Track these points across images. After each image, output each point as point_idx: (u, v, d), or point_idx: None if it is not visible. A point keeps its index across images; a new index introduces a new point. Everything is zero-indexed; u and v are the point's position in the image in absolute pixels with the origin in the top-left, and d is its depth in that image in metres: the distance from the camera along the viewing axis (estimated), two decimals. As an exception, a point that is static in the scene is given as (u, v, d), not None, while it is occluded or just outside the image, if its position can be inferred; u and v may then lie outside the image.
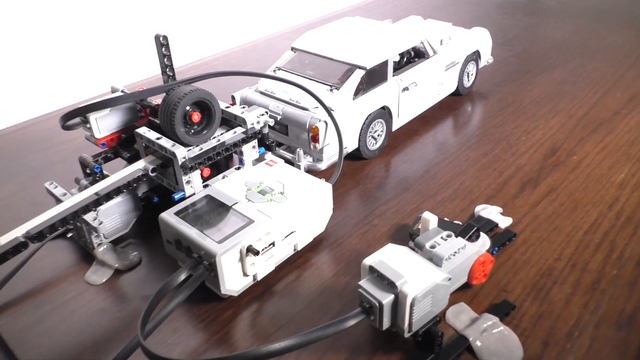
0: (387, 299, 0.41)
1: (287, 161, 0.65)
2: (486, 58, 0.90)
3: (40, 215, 0.50)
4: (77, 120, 0.58)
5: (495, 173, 0.69)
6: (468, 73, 0.87)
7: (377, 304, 0.41)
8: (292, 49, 0.75)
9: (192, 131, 0.56)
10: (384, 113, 0.72)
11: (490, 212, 0.61)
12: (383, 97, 0.70)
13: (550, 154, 0.72)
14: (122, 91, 0.63)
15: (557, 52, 1.04)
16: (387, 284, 0.42)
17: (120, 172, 0.55)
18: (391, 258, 0.44)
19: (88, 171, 0.60)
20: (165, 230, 0.52)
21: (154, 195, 0.61)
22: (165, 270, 0.56)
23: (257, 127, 0.60)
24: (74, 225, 0.57)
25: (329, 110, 0.62)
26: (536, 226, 0.60)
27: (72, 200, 0.52)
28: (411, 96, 0.75)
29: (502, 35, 1.12)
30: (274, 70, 0.73)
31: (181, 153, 0.53)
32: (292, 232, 0.54)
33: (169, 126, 0.54)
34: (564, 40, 1.10)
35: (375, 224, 0.62)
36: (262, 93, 0.70)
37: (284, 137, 0.68)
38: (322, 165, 0.66)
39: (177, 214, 0.52)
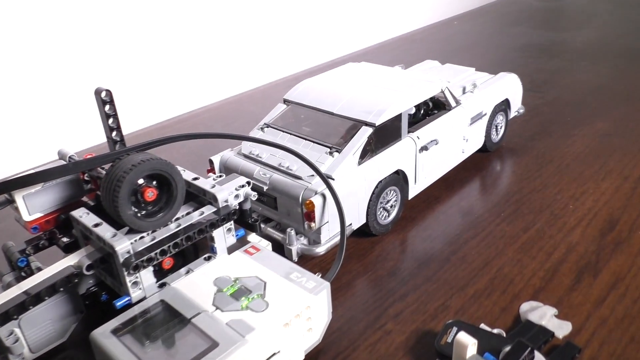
0: None
1: (276, 243, 0.52)
2: (516, 108, 0.77)
3: None
4: (-2, 199, 0.45)
5: (542, 255, 0.54)
6: (497, 126, 0.73)
7: None
8: (285, 101, 0.62)
9: (145, 212, 0.42)
10: (398, 179, 0.58)
11: (543, 314, 0.46)
12: (396, 159, 0.57)
13: (608, 228, 0.58)
14: (70, 158, 0.50)
15: (595, 99, 0.90)
16: None
17: (48, 270, 0.42)
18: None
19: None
20: (98, 354, 0.38)
21: (102, 291, 0.47)
22: (105, 402, 0.41)
23: (234, 203, 0.46)
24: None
25: (326, 180, 0.48)
26: (605, 335, 0.44)
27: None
28: (431, 157, 0.61)
29: (528, 81, 0.98)
30: (262, 128, 0.60)
31: (123, 247, 0.39)
32: (275, 354, 0.39)
33: (111, 208, 0.41)
34: (601, 85, 0.97)
35: (388, 329, 0.47)
36: (245, 157, 0.57)
37: (272, 212, 0.55)
38: (321, 249, 0.52)
39: (115, 332, 0.38)
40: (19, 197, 0.44)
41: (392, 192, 0.58)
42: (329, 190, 0.49)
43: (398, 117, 0.57)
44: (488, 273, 0.52)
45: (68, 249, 0.46)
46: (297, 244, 0.51)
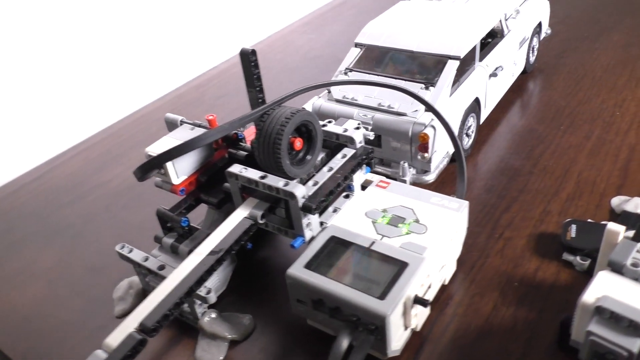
0: (636, 345, 0.33)
1: (387, 177, 0.56)
2: (545, 29, 0.83)
3: (147, 299, 0.39)
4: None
5: (610, 157, 0.62)
6: (532, 47, 0.79)
7: (626, 354, 0.33)
8: (357, 45, 0.65)
9: (295, 160, 0.46)
10: (475, 106, 0.63)
11: (636, 204, 0.53)
12: (475, 87, 0.62)
13: (658, 127, 0.66)
14: (181, 122, 0.52)
15: (604, 14, 0.97)
16: (629, 327, 0.34)
17: (224, 226, 0.45)
18: (614, 291, 0.36)
19: (169, 225, 0.49)
20: (297, 289, 0.42)
21: (247, 241, 0.51)
22: (288, 332, 0.46)
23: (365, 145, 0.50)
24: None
25: (439, 113, 0.53)
26: (689, 214, 0.52)
27: (181, 271, 0.41)
28: (497, 82, 0.66)
29: (533, 3, 1.04)
30: (345, 72, 0.63)
31: (300, 192, 0.43)
32: (443, 266, 0.45)
33: (272, 160, 0.44)
34: (603, -1, 1.03)
35: (508, 237, 0.53)
36: (338, 101, 0.60)
37: (375, 150, 0.59)
38: (431, 177, 0.57)
39: (308, 267, 0.42)
40: (169, 162, 0.46)
41: (471, 118, 0.63)
42: (439, 119, 0.53)
43: (473, 48, 0.61)
44: (571, 179, 0.59)
45: (220, 204, 0.49)
46: (410, 175, 0.56)
